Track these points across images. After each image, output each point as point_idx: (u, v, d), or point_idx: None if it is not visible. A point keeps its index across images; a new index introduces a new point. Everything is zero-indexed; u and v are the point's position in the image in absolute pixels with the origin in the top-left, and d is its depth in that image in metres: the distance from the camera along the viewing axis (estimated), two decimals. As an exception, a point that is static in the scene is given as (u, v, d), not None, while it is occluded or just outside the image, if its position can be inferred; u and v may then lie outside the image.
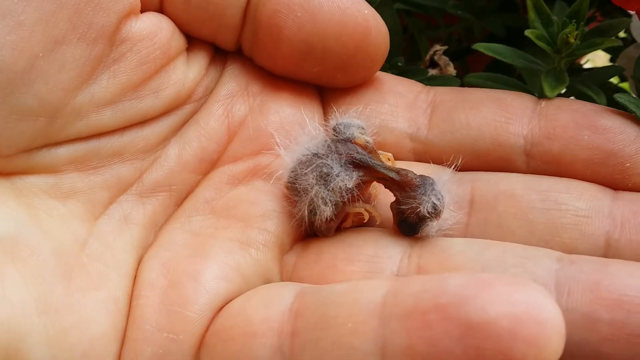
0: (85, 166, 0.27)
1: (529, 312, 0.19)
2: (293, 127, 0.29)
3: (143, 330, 0.24)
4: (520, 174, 0.28)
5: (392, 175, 0.26)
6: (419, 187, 0.26)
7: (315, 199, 0.26)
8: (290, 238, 0.28)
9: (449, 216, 0.26)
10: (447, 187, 0.27)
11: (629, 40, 0.37)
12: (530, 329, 0.18)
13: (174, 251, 0.27)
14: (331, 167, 0.26)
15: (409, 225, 0.26)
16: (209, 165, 0.29)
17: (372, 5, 0.30)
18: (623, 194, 0.26)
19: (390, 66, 0.36)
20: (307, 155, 0.27)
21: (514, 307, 0.19)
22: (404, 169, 0.27)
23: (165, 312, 0.24)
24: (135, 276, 0.26)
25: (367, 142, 0.27)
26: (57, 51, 0.24)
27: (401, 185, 0.26)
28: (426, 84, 0.32)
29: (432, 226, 0.26)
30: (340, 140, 0.27)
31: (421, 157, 0.30)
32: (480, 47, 0.31)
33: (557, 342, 0.19)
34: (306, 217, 0.27)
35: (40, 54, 0.24)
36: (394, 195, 0.27)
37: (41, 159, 0.26)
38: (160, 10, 0.28)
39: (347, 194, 0.26)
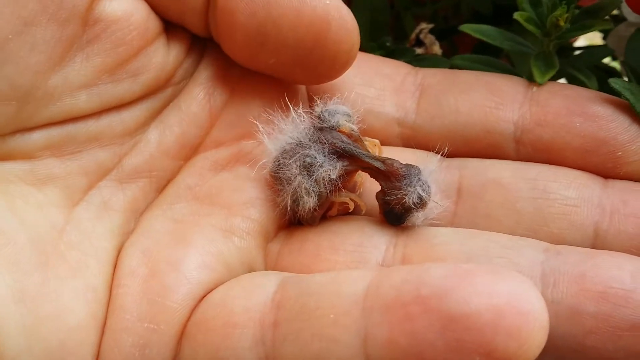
0: (61, 152, 0.26)
1: (511, 303, 0.18)
2: (276, 112, 0.28)
3: (123, 320, 0.24)
4: (509, 161, 0.27)
5: (377, 164, 0.26)
6: (405, 178, 0.25)
7: (298, 190, 0.26)
8: (275, 226, 0.27)
9: (436, 205, 0.26)
10: (433, 176, 0.26)
11: (621, 19, 0.36)
12: (512, 320, 0.18)
13: (155, 239, 0.26)
14: (315, 157, 0.26)
15: (394, 215, 0.26)
16: (191, 150, 0.28)
17: None
18: (614, 183, 0.26)
19: (378, 46, 0.34)
20: (291, 144, 0.26)
21: (496, 299, 0.18)
22: (390, 159, 0.26)
23: (146, 301, 0.24)
24: (116, 264, 0.26)
25: (352, 130, 0.27)
26: (27, 32, 0.23)
27: (386, 175, 0.26)
28: (414, 65, 0.31)
29: (418, 216, 0.26)
30: (324, 128, 0.26)
31: (409, 142, 0.29)
32: (466, 28, 0.30)
33: (539, 334, 0.18)
34: (289, 208, 0.26)
35: (10, 36, 0.23)
36: (380, 185, 0.26)
37: (15, 144, 0.25)
38: None
39: (330, 185, 0.26)
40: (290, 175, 0.26)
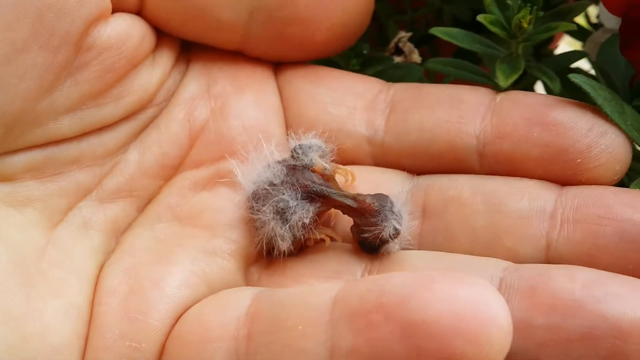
0: (42, 174, 0.26)
1: (470, 308, 0.18)
2: (255, 132, 0.28)
3: (105, 339, 0.24)
4: (470, 176, 0.27)
5: (350, 203, 0.26)
6: (378, 213, 0.26)
7: (272, 234, 0.26)
8: (256, 249, 0.27)
9: (408, 232, 0.26)
10: (405, 204, 0.26)
11: (600, 25, 0.36)
12: (471, 325, 0.18)
13: (137, 257, 0.26)
14: (288, 202, 0.26)
15: (370, 246, 0.26)
16: (171, 170, 0.29)
17: None
18: (568, 190, 0.25)
19: (354, 54, 0.35)
20: (264, 184, 0.26)
21: (455, 304, 0.18)
22: (361, 195, 0.26)
23: (127, 319, 0.24)
24: (97, 283, 0.26)
25: (325, 168, 0.27)
26: (18, 59, 0.23)
27: (359, 212, 0.26)
28: (391, 72, 0.31)
29: (394, 245, 0.26)
30: (297, 167, 0.27)
31: (379, 160, 0.29)
32: (436, 31, 0.30)
33: (500, 338, 0.18)
34: (264, 250, 0.27)
35: (1, 63, 0.23)
36: (354, 221, 0.27)
37: None
38: (140, 8, 0.27)
39: (304, 229, 0.26)
40: (264, 220, 0.26)
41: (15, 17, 0.23)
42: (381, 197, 0.26)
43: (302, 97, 0.30)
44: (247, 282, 0.27)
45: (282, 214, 0.26)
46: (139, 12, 0.28)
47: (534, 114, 0.26)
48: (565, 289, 0.21)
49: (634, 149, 0.26)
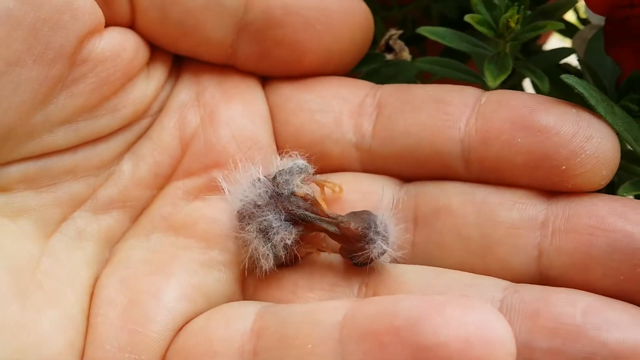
0: (37, 184, 0.26)
1: (478, 333, 0.19)
2: (243, 141, 0.28)
3: (104, 350, 0.24)
4: (460, 184, 0.27)
5: (332, 229, 0.26)
6: (363, 237, 0.26)
7: (255, 253, 0.26)
8: (242, 267, 0.27)
9: (397, 240, 0.26)
10: (393, 213, 0.26)
11: (588, 22, 0.36)
12: (479, 349, 0.19)
13: (133, 268, 0.26)
14: (271, 222, 0.26)
15: (361, 264, 0.26)
16: (164, 179, 0.29)
17: None
18: (558, 199, 0.25)
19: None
20: (249, 206, 0.27)
21: (465, 329, 0.19)
22: (344, 219, 0.26)
23: (126, 331, 0.24)
24: (93, 293, 0.26)
25: (307, 193, 0.27)
26: (11, 73, 0.23)
27: (344, 237, 0.26)
28: (385, 70, 0.31)
29: (385, 259, 0.26)
30: (281, 194, 0.27)
31: (368, 166, 0.29)
32: (423, 30, 0.30)
33: None
34: (246, 268, 0.27)
35: None
36: (340, 245, 0.27)
37: None
38: (132, 24, 0.27)
39: (286, 249, 0.26)
40: (248, 238, 0.26)
41: (7, 32, 0.23)
42: (364, 218, 0.26)
43: (289, 105, 0.29)
44: (244, 293, 0.27)
45: (265, 232, 0.26)
46: (131, 27, 0.28)
47: (518, 118, 0.26)
48: (567, 314, 0.22)
49: (625, 149, 0.26)
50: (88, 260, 0.27)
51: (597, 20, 0.34)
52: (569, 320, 0.22)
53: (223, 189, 0.27)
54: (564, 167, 0.25)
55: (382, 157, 0.28)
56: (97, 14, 0.25)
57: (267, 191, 0.27)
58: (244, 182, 0.27)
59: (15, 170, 0.25)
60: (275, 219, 0.26)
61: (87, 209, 0.27)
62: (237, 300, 0.27)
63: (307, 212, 0.26)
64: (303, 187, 0.27)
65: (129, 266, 0.26)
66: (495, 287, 0.24)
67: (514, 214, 0.25)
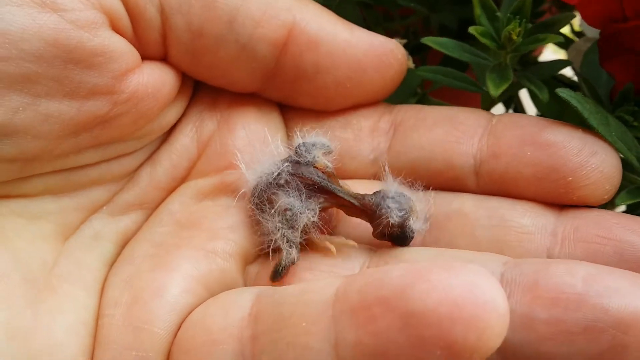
0: (59, 191, 0.27)
1: (466, 295, 0.19)
2: (259, 143, 0.29)
3: (111, 350, 0.25)
4: (472, 194, 0.28)
5: (352, 200, 0.27)
6: (378, 205, 0.26)
7: (280, 242, 0.27)
8: (255, 250, 0.28)
9: (422, 203, 0.27)
10: (397, 188, 0.27)
11: (583, 34, 0.37)
12: (468, 312, 0.18)
13: (136, 265, 0.27)
14: (294, 207, 0.26)
15: (398, 237, 0.27)
16: (180, 181, 0.29)
17: (333, 2, 0.29)
18: (567, 211, 0.27)
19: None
20: (268, 178, 0.27)
21: (452, 292, 0.19)
22: (360, 194, 0.27)
23: (131, 329, 0.25)
24: (101, 294, 0.26)
25: (327, 166, 0.28)
26: (39, 104, 0.24)
27: (363, 210, 0.27)
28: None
29: (415, 221, 0.27)
30: (301, 162, 0.27)
31: (381, 178, 0.30)
32: (427, 41, 0.31)
33: (498, 322, 0.19)
34: (271, 256, 0.27)
35: (20, 108, 0.24)
36: (364, 221, 0.27)
37: (14, 188, 0.26)
38: (164, 58, 0.28)
39: (312, 227, 0.27)
40: (271, 228, 0.27)
41: (36, 70, 0.24)
42: (376, 193, 0.27)
43: (306, 115, 0.30)
44: (245, 280, 0.28)
45: (290, 220, 0.26)
46: (164, 59, 0.28)
47: (528, 135, 0.27)
48: (567, 283, 0.22)
49: (620, 159, 0.27)
50: (104, 261, 0.27)
51: (592, 33, 0.35)
52: (569, 289, 0.22)
53: (240, 166, 0.28)
54: (570, 178, 0.26)
55: (396, 169, 0.29)
56: (133, 54, 0.26)
57: (287, 161, 0.27)
58: (264, 154, 0.28)
59: (38, 181, 0.26)
60: (297, 199, 0.27)
61: (105, 211, 0.28)
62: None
63: (328, 182, 0.27)
64: (323, 160, 0.27)
65: (132, 262, 0.27)
66: (496, 261, 0.24)
67: (526, 220, 0.26)
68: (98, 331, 0.25)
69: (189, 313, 0.25)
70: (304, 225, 0.26)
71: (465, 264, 0.20)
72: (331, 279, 0.22)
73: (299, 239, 0.26)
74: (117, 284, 0.26)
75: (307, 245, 0.27)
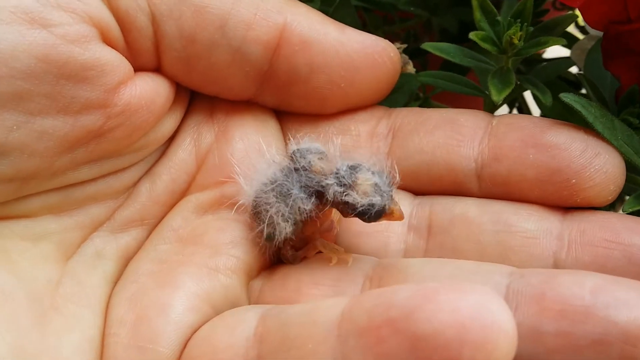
0: (58, 210, 0.27)
1: (474, 317, 0.18)
2: (257, 154, 0.29)
3: None
4: (475, 198, 0.28)
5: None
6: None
7: (275, 217, 0.26)
8: (258, 265, 0.28)
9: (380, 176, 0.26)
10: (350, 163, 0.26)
11: (587, 32, 0.37)
12: (476, 334, 0.18)
13: (140, 283, 0.26)
14: (290, 187, 0.26)
15: (358, 215, 0.26)
16: (180, 195, 0.29)
17: (331, 5, 0.29)
18: (572, 214, 0.26)
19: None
20: (266, 183, 0.27)
21: (459, 314, 0.19)
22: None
23: (136, 349, 0.24)
24: (106, 313, 0.26)
25: (323, 168, 0.27)
26: (34, 122, 0.24)
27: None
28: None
29: (364, 194, 0.26)
30: (297, 168, 0.27)
31: None
32: (428, 46, 0.31)
33: (506, 343, 0.18)
34: (264, 235, 0.27)
35: (15, 127, 0.24)
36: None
37: (14, 208, 0.26)
38: (158, 70, 0.28)
39: (306, 215, 0.27)
40: (267, 204, 0.27)
41: (28, 88, 0.24)
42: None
43: (303, 121, 0.30)
44: (249, 296, 0.28)
45: (284, 196, 0.26)
46: (157, 70, 0.28)
47: (530, 137, 0.27)
48: (574, 295, 0.22)
49: (627, 162, 0.26)
50: (107, 278, 0.27)
51: (595, 31, 0.34)
52: (576, 301, 0.21)
53: (237, 178, 0.27)
54: (573, 180, 0.26)
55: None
56: (125, 66, 0.26)
57: (284, 168, 0.27)
58: (261, 165, 0.28)
59: (37, 200, 0.26)
60: (294, 187, 0.26)
61: (106, 229, 0.28)
62: (243, 304, 0.27)
63: (320, 184, 0.27)
64: (318, 164, 0.27)
65: (136, 281, 0.27)
66: (501, 272, 0.24)
67: (530, 224, 0.26)
68: (104, 351, 0.25)
69: (194, 331, 0.25)
70: (299, 208, 0.26)
71: (473, 285, 0.19)
72: (337, 299, 0.22)
73: (292, 216, 0.26)
74: (121, 303, 0.26)
75: (320, 250, 0.27)
